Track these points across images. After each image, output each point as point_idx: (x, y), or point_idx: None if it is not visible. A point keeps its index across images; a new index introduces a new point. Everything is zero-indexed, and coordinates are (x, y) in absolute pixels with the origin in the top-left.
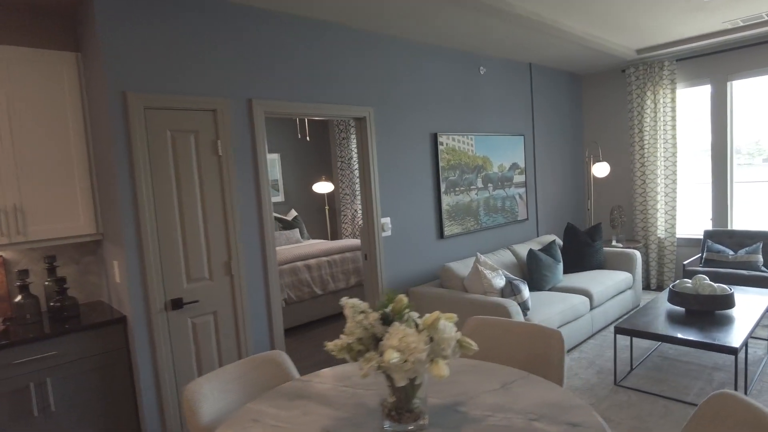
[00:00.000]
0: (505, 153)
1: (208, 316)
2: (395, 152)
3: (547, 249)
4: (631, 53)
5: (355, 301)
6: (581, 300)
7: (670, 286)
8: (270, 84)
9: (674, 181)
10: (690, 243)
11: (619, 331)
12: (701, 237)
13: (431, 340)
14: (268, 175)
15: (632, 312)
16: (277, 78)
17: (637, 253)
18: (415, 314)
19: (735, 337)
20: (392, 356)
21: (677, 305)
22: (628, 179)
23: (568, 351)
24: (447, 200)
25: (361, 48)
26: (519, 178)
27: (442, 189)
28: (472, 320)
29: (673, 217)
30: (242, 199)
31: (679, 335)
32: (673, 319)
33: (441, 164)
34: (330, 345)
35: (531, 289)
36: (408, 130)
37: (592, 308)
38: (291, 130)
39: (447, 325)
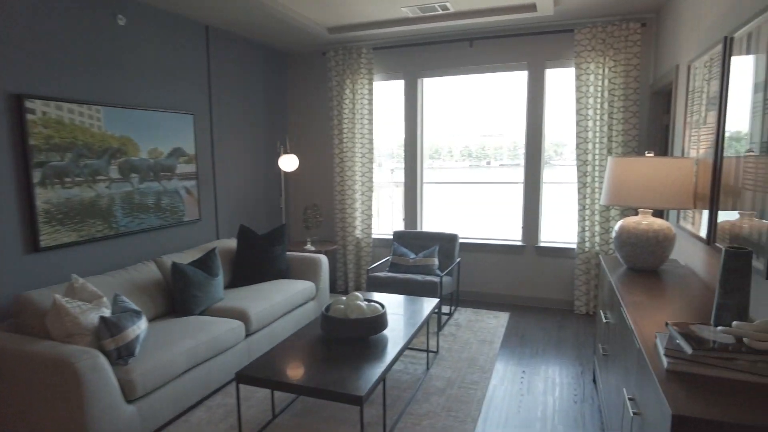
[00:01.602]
0: (162, 134)
1: None
2: None
3: (202, 261)
4: (322, 31)
5: None
6: (233, 326)
7: (323, 309)
8: None
9: (371, 179)
10: (387, 244)
11: (240, 379)
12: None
13: None
14: None
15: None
16: None
17: (322, 259)
18: None
19: (367, 377)
20: None
21: (327, 332)
22: (330, 175)
23: (202, 400)
24: (47, 195)
25: None
26: (186, 168)
27: (36, 179)
28: None
29: (369, 217)
30: None
31: (308, 379)
32: (317, 351)
33: (32, 142)
34: None
35: (179, 315)
36: None
37: (249, 334)
38: None
39: None
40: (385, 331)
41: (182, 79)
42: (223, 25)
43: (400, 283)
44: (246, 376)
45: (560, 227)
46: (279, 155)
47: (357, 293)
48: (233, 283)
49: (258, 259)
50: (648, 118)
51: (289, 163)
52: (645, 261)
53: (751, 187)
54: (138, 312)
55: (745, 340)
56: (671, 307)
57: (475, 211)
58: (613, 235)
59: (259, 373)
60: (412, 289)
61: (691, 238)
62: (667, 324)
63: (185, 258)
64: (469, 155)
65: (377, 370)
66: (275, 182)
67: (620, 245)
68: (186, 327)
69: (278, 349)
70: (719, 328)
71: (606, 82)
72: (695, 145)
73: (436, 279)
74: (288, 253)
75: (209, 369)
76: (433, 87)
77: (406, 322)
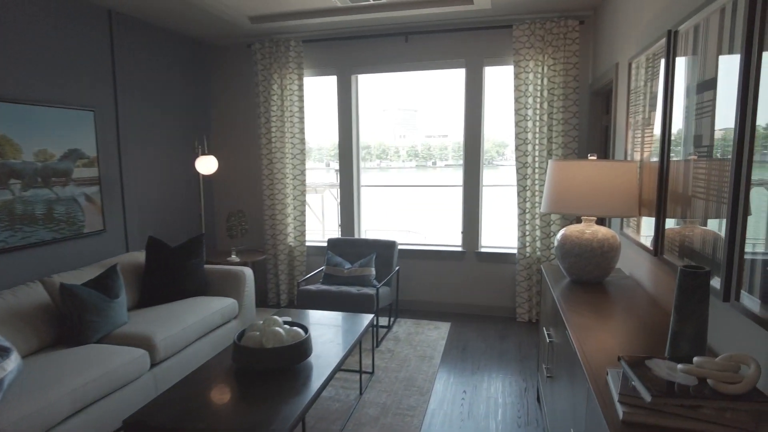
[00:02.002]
0: (54, 134)
1: None
2: None
3: (100, 280)
4: (243, 20)
5: None
6: (136, 356)
7: (235, 337)
8: None
9: (303, 182)
10: (322, 251)
11: (129, 428)
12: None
13: None
14: None
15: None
16: None
17: (246, 272)
18: None
19: (284, 416)
20: None
21: (240, 364)
22: (258, 178)
23: None
24: None
25: None
26: (85, 172)
27: None
28: None
29: (302, 223)
30: None
31: (213, 424)
32: (229, 387)
33: None
34: None
35: (71, 344)
36: None
37: (156, 363)
38: None
39: None
40: (311, 357)
41: (79, 70)
42: (129, 10)
43: (333, 297)
44: (137, 423)
45: (504, 232)
46: (197, 157)
47: (275, 317)
48: (142, 303)
49: (171, 274)
50: (588, 119)
51: (206, 165)
52: (590, 273)
53: (702, 194)
54: (5, 349)
55: (709, 381)
56: (620, 329)
57: (418, 215)
58: (555, 243)
59: (154, 419)
60: (346, 303)
61: (635, 247)
62: (619, 359)
63: (81, 276)
64: (416, 155)
65: (296, 408)
66: (197, 187)
67: (563, 255)
68: (76, 359)
69: (182, 385)
70: (679, 366)
71: (545, 81)
72: (638, 147)
73: (372, 291)
74: (208, 266)
75: (104, 409)
76: (371, 84)
77: (336, 343)
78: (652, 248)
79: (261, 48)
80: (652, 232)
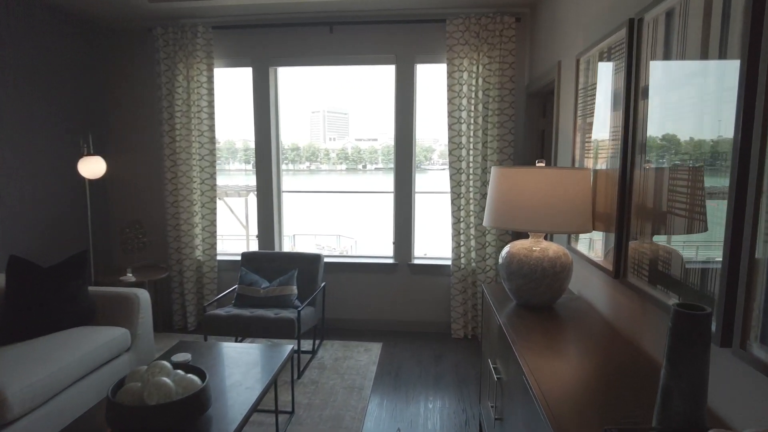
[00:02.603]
0: None
1: None
2: None
3: None
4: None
5: None
6: None
7: (109, 391)
8: None
9: (213, 187)
10: (237, 266)
11: None
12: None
13: None
14: None
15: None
16: None
17: (139, 295)
18: None
19: None
20: None
21: (116, 426)
22: (160, 182)
23: None
24: None
25: None
26: None
27: None
28: None
29: (213, 234)
30: None
31: None
32: None
33: None
34: None
35: None
36: None
37: (8, 423)
38: None
39: None
40: (210, 411)
41: None
42: None
43: (246, 323)
44: None
45: (438, 241)
46: (81, 157)
47: (163, 362)
48: (3, 338)
49: (42, 301)
50: (524, 123)
51: (92, 167)
52: (540, 296)
53: (683, 210)
54: None
55: None
56: (585, 366)
57: (348, 221)
58: (500, 261)
59: None
60: (263, 330)
61: (587, 265)
62: None
63: None
64: (346, 158)
65: None
66: (93, 194)
67: (509, 276)
68: None
69: None
70: None
71: (480, 81)
72: (590, 153)
73: (292, 315)
74: (96, 288)
75: None
76: (297, 83)
77: (245, 386)
78: (611, 269)
79: (164, 33)
80: (605, 249)
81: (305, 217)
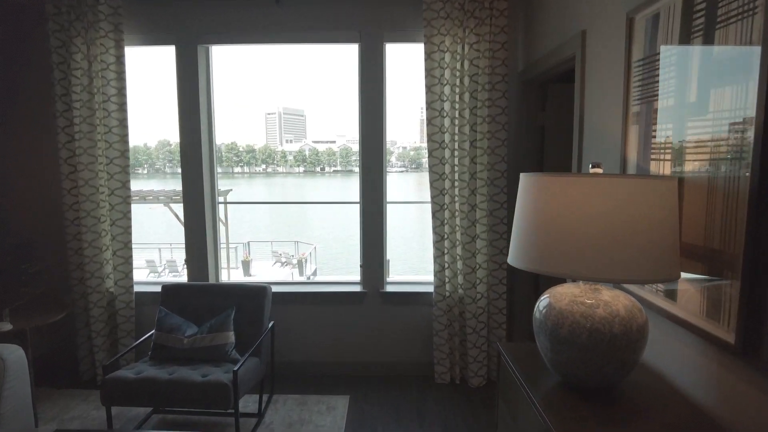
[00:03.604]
0: None
1: None
2: None
3: None
4: None
5: None
6: None
7: None
8: None
9: (126, 199)
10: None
11: None
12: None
13: None
14: None
15: None
16: None
17: (7, 356)
18: None
19: None
20: None
21: None
22: (57, 193)
23: None
24: None
25: None
26: None
27: None
28: None
29: (128, 260)
30: None
31: None
32: None
33: None
34: None
35: None
36: None
37: None
38: None
39: None
40: None
41: None
42: None
43: (163, 391)
44: None
45: (414, 262)
46: None
47: None
48: None
49: None
50: (518, 118)
51: None
52: (603, 376)
53: None
54: None
55: None
56: None
57: (306, 229)
58: (537, 316)
59: None
60: (185, 399)
61: (664, 323)
62: None
63: None
64: (304, 161)
65: None
66: None
67: (555, 344)
68: None
69: None
70: None
71: (466, 64)
72: (662, 154)
73: (226, 377)
74: None
75: None
76: (247, 77)
77: None
78: (729, 339)
79: (55, 7)
80: (706, 300)
81: (260, 223)
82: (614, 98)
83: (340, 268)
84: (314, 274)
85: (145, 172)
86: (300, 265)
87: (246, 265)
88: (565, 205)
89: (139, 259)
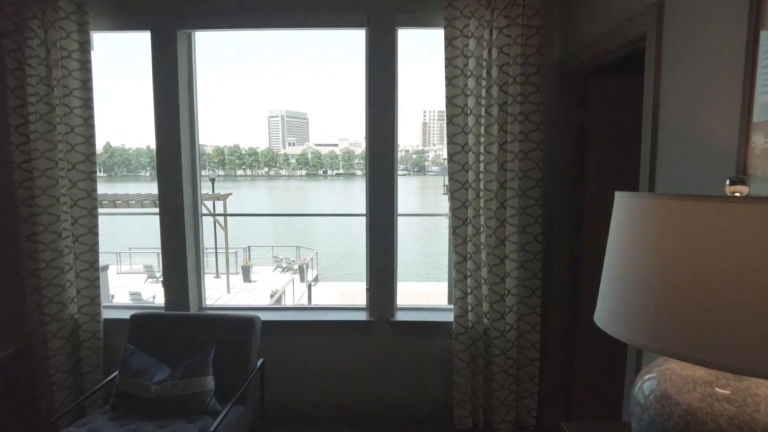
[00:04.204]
0: None
1: None
2: None
3: None
4: None
5: None
6: None
7: None
8: None
9: (93, 211)
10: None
11: None
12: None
13: None
14: None
15: None
16: None
17: None
18: None
19: None
20: None
21: None
22: (10, 204)
23: None
24: None
25: None
26: None
27: None
28: None
29: (94, 282)
30: None
31: None
32: None
33: None
34: None
35: None
36: None
37: None
38: None
39: None
40: None
41: None
42: None
43: None
44: None
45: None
46: None
47: None
48: None
49: None
50: (553, 116)
51: None
52: None
53: None
54: None
55: None
56: None
57: (307, 234)
58: (639, 402)
59: None
60: None
61: None
62: None
63: None
64: (306, 164)
65: None
66: None
67: None
68: None
69: None
70: None
71: (494, 53)
72: None
73: None
74: None
75: None
76: (248, 80)
77: None
78: None
79: None
80: None
81: (261, 228)
82: (721, 87)
83: (342, 276)
84: (315, 280)
85: (148, 174)
86: (301, 270)
87: (246, 270)
88: (713, 245)
89: (137, 264)
